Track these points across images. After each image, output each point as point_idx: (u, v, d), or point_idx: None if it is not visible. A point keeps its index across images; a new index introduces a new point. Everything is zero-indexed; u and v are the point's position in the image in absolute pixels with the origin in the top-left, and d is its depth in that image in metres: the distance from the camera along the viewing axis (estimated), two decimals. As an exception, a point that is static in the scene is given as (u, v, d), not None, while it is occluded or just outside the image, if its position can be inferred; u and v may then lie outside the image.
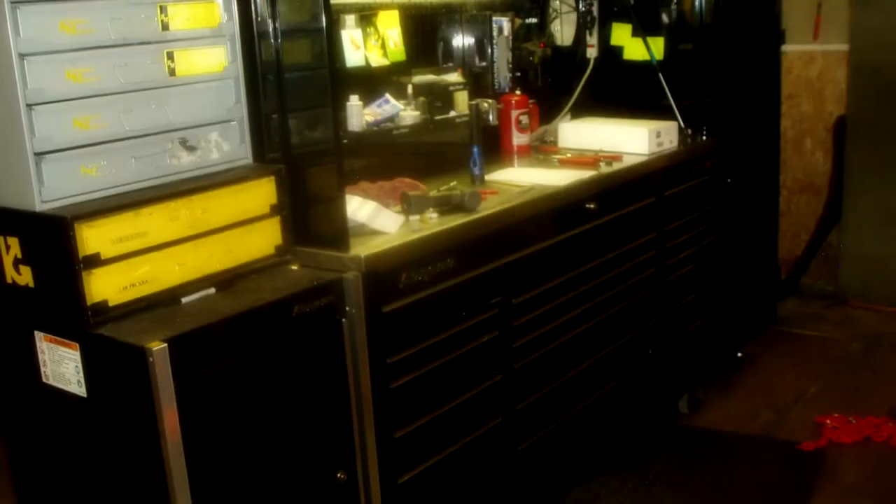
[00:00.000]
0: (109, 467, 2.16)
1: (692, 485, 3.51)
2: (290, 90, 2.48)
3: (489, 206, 2.79)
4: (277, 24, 2.46)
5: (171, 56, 2.27)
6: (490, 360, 2.84)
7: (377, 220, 2.56)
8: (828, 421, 3.91)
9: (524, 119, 3.58)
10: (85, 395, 2.11)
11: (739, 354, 4.49)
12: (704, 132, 3.82)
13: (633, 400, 3.62)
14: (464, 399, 2.74)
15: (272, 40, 2.46)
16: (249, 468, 2.19)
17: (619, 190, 3.32)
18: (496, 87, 3.60)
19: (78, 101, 2.11)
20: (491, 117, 3.40)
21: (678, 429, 3.95)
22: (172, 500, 1.97)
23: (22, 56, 2.00)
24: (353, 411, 2.42)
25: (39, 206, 2.06)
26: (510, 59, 3.62)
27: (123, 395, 2.04)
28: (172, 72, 2.28)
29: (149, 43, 2.23)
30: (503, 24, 3.58)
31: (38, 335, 2.17)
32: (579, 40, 3.98)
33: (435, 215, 2.68)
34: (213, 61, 2.37)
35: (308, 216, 2.49)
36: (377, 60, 3.14)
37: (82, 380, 2.11)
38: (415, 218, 2.65)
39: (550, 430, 3.14)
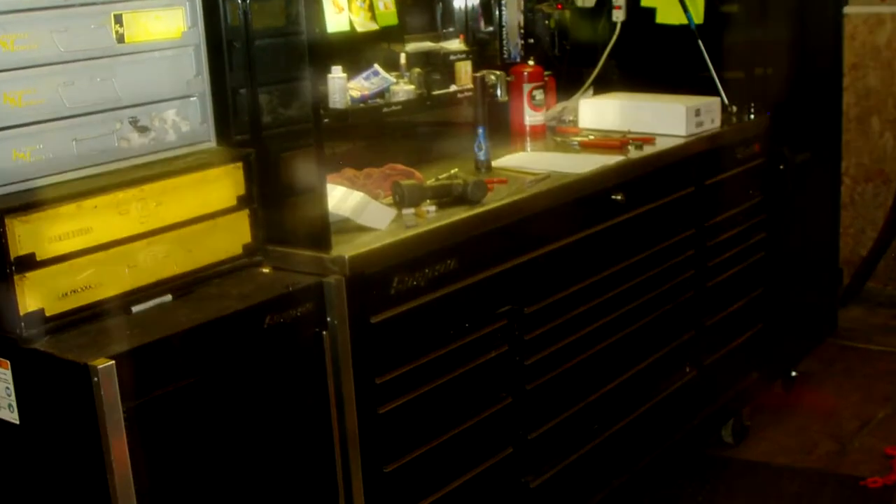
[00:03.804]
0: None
1: (737, 527, 3.57)
2: (260, 60, 2.51)
3: (497, 198, 2.83)
4: (246, -18, 2.49)
5: (119, 20, 2.30)
6: (498, 379, 2.88)
7: (364, 213, 2.59)
8: (898, 452, 3.97)
9: (538, 94, 3.62)
10: (17, 422, 2.13)
11: (794, 373, 4.53)
12: (752, 110, 3.86)
13: (668, 427, 3.66)
14: (467, 426, 2.78)
15: (239, 1, 2.48)
16: (213, 508, 2.22)
17: (652, 178, 3.37)
18: (505, 56, 3.66)
19: (9, 73, 2.13)
20: (499, 92, 3.46)
21: (721, 461, 4.01)
22: (122, 545, 2.01)
23: (-58, 20, 2.03)
24: (335, 441, 2.44)
25: (-37, 198, 2.08)
26: (521, 24, 3.68)
27: (64, 422, 2.06)
28: (121, 38, 2.31)
29: (93, 4, 2.25)
30: (514, -19, 3.63)
31: (-37, 351, 2.19)
32: (604, 1, 4.02)
33: (433, 208, 2.72)
34: (169, 26, 2.40)
35: (282, 210, 2.53)
36: (364, 25, 3.17)
37: (14, 404, 2.12)
38: (409, 211, 2.69)
39: (569, 463, 3.18)
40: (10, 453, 2.19)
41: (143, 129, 2.36)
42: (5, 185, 2.13)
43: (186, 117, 2.46)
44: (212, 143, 2.51)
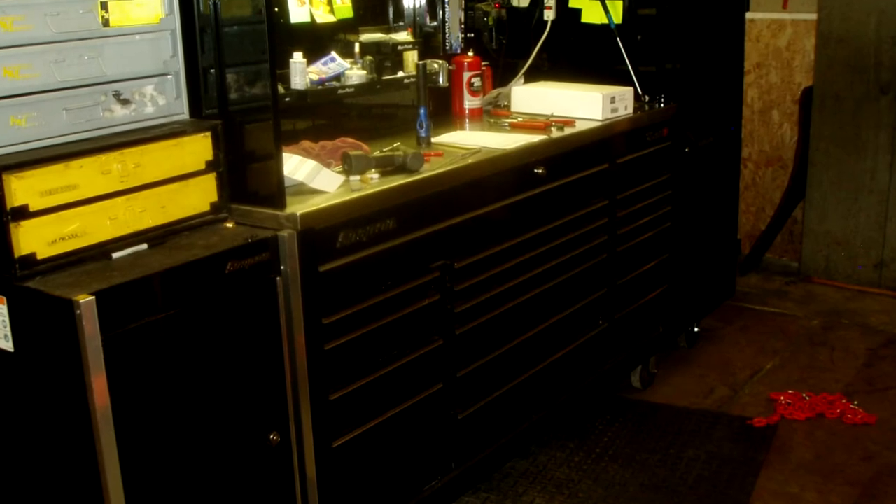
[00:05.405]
0: (37, 422, 2.23)
1: (640, 459, 3.64)
2: (228, 45, 2.52)
3: (432, 168, 2.85)
4: (215, -24, 2.51)
5: (104, 6, 2.33)
6: (431, 324, 2.91)
7: (316, 179, 2.62)
8: (781, 397, 4.05)
9: (476, 82, 3.65)
10: (12, 350, 2.17)
11: (696, 329, 4.60)
12: (662, 99, 3.88)
13: (583, 371, 3.70)
14: (402, 363, 2.81)
15: (210, -8, 2.51)
16: (180, 427, 2.26)
17: (570, 155, 3.39)
18: (447, 47, 3.66)
19: (7, 50, 2.16)
20: (441, 79, 3.47)
21: (629, 402, 4.07)
22: (99, 452, 2.06)
23: (-52, 2, 2.06)
24: (286, 372, 2.48)
25: (-34, 156, 2.11)
26: (462, 20, 3.69)
27: (51, 349, 2.10)
28: (106, 22, 2.34)
29: (82, -9, 2.29)
30: (456, -18, 3.64)
31: (-35, 288, 2.22)
32: (536, 1, 4.02)
33: (376, 175, 2.74)
34: (148, 12, 2.43)
35: (245, 173, 2.55)
36: (323, 17, 3.18)
37: (9, 334, 2.16)
38: (355, 178, 2.70)
39: (494, 399, 3.21)
40: (7, 377, 2.23)
41: (125, 102, 2.40)
42: (3, 146, 2.16)
43: (163, 92, 2.48)
44: (185, 115, 2.53)
